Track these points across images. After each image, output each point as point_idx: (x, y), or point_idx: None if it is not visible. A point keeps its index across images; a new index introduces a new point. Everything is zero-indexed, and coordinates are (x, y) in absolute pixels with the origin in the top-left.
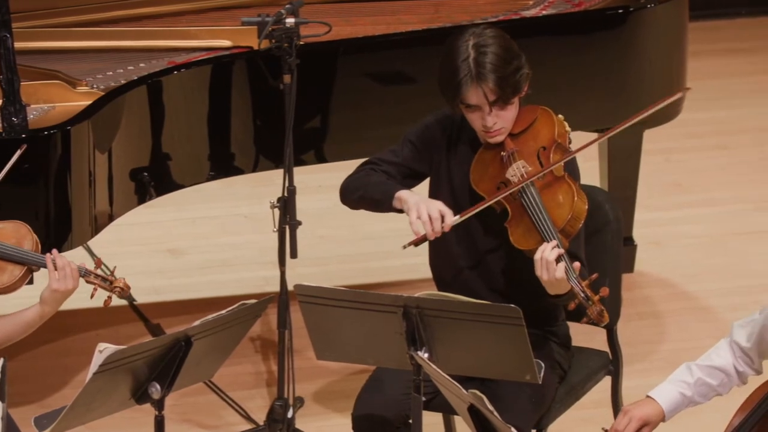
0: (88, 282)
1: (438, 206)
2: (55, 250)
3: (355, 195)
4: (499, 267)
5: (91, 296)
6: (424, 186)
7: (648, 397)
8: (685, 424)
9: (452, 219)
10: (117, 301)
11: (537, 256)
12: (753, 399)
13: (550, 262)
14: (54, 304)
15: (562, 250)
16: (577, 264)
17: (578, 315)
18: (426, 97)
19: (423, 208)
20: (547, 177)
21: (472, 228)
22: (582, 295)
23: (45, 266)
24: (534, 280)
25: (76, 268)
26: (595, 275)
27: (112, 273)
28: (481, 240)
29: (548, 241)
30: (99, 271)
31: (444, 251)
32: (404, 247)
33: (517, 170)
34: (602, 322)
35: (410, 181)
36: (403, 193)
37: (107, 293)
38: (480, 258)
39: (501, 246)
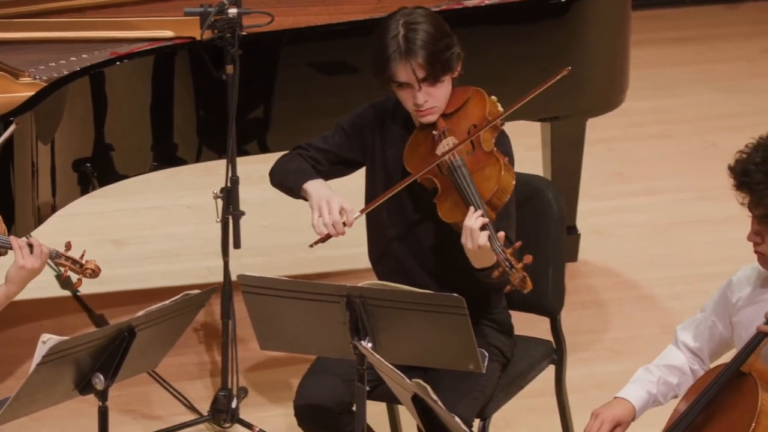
0: (59, 264)
1: (338, 204)
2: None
3: (276, 180)
4: (429, 242)
5: (62, 277)
6: (359, 174)
7: (616, 398)
8: None
9: (354, 216)
10: (60, 292)
11: (464, 224)
12: (698, 387)
13: (475, 230)
14: (20, 284)
15: (486, 220)
16: (501, 234)
17: (503, 285)
18: (368, 87)
19: (324, 207)
20: (476, 152)
21: (403, 205)
22: (505, 262)
23: (11, 247)
24: (464, 257)
25: (46, 249)
26: (518, 243)
27: (82, 256)
28: (413, 216)
29: (474, 210)
30: (69, 254)
31: (377, 228)
32: (311, 246)
33: (446, 146)
34: (525, 288)
35: (339, 168)
36: (309, 185)
37: (78, 275)
38: (410, 233)
39: (431, 222)
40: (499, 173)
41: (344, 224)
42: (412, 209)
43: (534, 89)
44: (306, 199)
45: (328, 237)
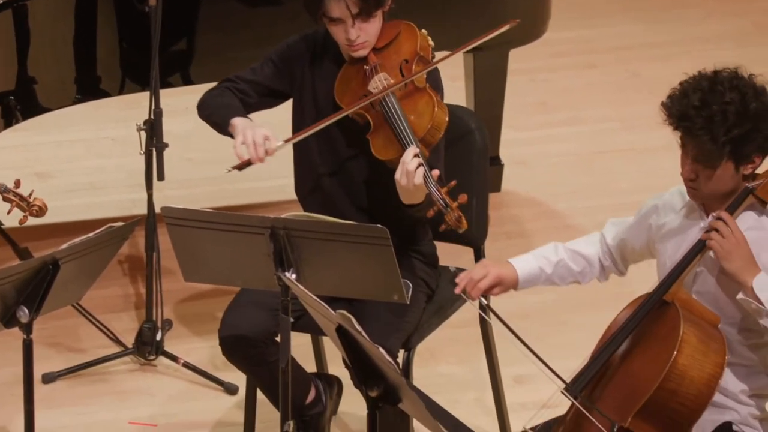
0: (5, 199)
1: (263, 132)
2: None
3: (204, 114)
4: (361, 178)
5: (8, 212)
6: (286, 107)
7: (508, 261)
8: (552, 343)
9: (276, 143)
10: None
11: (400, 161)
12: (622, 317)
13: (411, 167)
14: None
15: (420, 158)
16: (435, 172)
17: (438, 223)
18: (293, 19)
19: (248, 132)
20: (408, 88)
21: (335, 140)
22: (441, 201)
23: None
24: (395, 193)
25: None
26: (453, 182)
27: (30, 194)
28: (344, 151)
29: (409, 148)
30: (18, 190)
31: (307, 162)
32: (228, 170)
33: (379, 82)
34: (460, 228)
35: (268, 100)
36: (236, 120)
37: (23, 213)
38: (342, 169)
39: (363, 157)
40: (433, 110)
41: (266, 152)
42: (344, 145)
43: (479, 37)
44: (233, 135)
45: (248, 163)
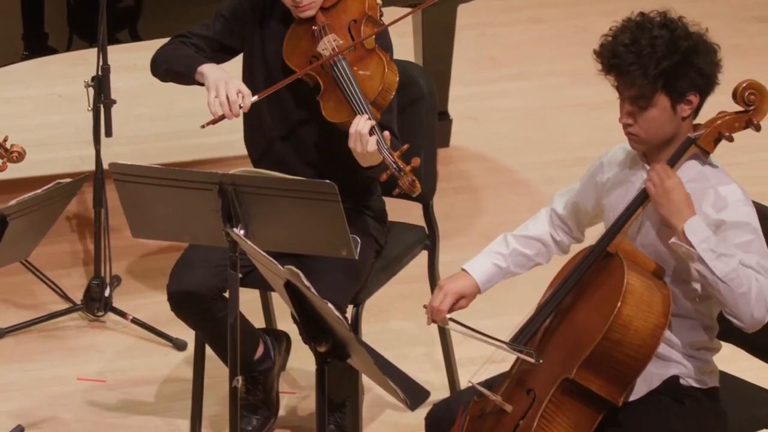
0: None
1: (237, 86)
2: None
3: (161, 68)
4: (312, 140)
5: None
6: (237, 62)
7: (463, 270)
8: (498, 299)
9: (251, 99)
10: None
11: (351, 129)
12: (566, 269)
13: (363, 134)
14: None
15: (374, 122)
16: (386, 133)
17: (391, 187)
18: None
19: (222, 87)
20: (358, 49)
21: (285, 101)
22: (394, 165)
23: None
24: (347, 153)
25: None
26: (406, 146)
27: (5, 140)
28: (295, 113)
29: (360, 114)
30: None
31: (257, 125)
32: (203, 126)
33: (328, 43)
34: (414, 192)
35: (221, 56)
36: (205, 68)
37: (2, 159)
38: (293, 131)
39: (314, 119)
40: (383, 71)
41: (240, 107)
42: (294, 106)
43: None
44: (201, 83)
45: (221, 118)
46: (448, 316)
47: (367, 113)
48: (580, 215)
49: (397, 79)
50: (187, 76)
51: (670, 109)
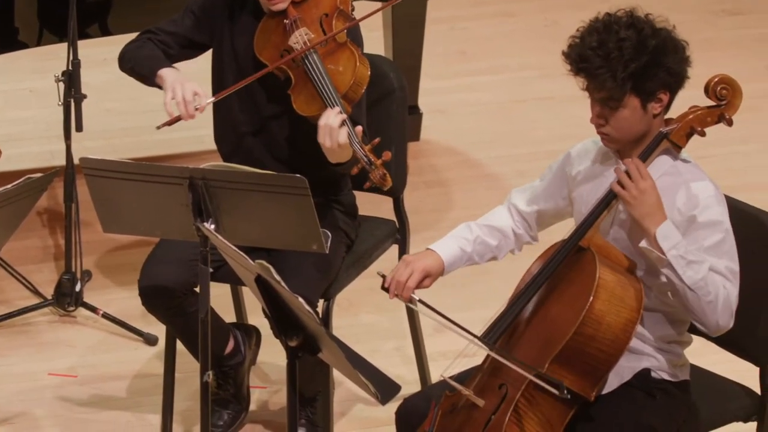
0: None
1: (193, 87)
2: None
3: (127, 66)
4: (282, 135)
5: None
6: (207, 57)
7: (428, 249)
8: (470, 293)
9: (206, 100)
10: None
11: (321, 122)
12: (538, 264)
13: (334, 128)
14: None
15: (344, 116)
16: (359, 128)
17: (362, 180)
18: None
19: (178, 88)
20: (329, 44)
21: (256, 96)
22: (365, 159)
23: None
24: (317, 148)
25: None
26: (377, 140)
27: None
28: (265, 107)
29: (331, 107)
30: None
31: (228, 120)
32: (158, 127)
33: (299, 37)
34: (385, 185)
35: (189, 52)
36: (163, 72)
37: None
38: (264, 126)
39: (285, 114)
40: (355, 65)
41: (196, 108)
42: (265, 100)
43: None
44: (160, 86)
45: (178, 119)
46: (417, 297)
47: (338, 107)
48: (545, 213)
49: (369, 73)
50: (148, 79)
51: (640, 109)
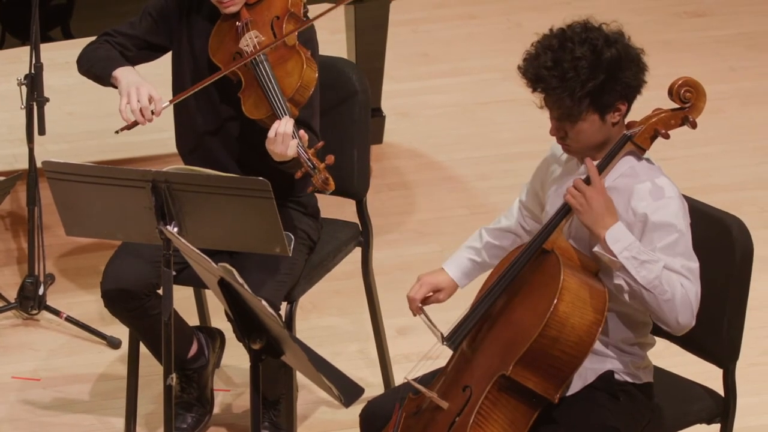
0: None
1: (148, 91)
2: None
3: (84, 68)
4: (240, 135)
5: None
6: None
7: (442, 267)
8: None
9: (162, 105)
10: None
11: (271, 133)
12: (500, 266)
13: (287, 135)
14: None
15: (292, 120)
16: (302, 132)
17: (305, 184)
18: None
19: (133, 93)
20: (278, 46)
21: (213, 97)
22: (308, 163)
23: None
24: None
25: None
26: (320, 143)
27: None
28: (222, 108)
29: (279, 115)
30: None
31: (187, 121)
32: (117, 132)
33: (249, 40)
34: (327, 190)
35: (148, 53)
36: (118, 73)
37: None
38: (221, 126)
39: (240, 115)
40: (302, 68)
41: (152, 113)
42: (219, 101)
43: None
44: (115, 87)
45: (135, 124)
46: (424, 308)
47: (284, 110)
48: (539, 199)
49: (316, 76)
50: (103, 79)
51: (599, 121)
